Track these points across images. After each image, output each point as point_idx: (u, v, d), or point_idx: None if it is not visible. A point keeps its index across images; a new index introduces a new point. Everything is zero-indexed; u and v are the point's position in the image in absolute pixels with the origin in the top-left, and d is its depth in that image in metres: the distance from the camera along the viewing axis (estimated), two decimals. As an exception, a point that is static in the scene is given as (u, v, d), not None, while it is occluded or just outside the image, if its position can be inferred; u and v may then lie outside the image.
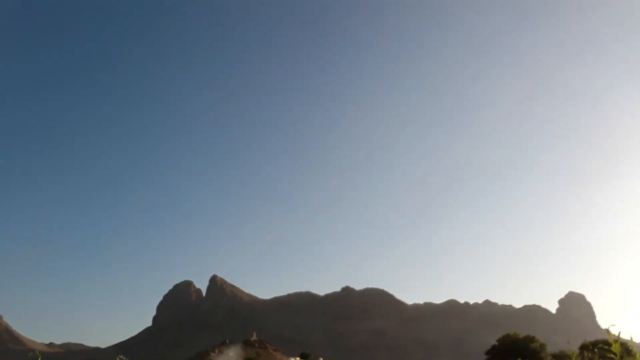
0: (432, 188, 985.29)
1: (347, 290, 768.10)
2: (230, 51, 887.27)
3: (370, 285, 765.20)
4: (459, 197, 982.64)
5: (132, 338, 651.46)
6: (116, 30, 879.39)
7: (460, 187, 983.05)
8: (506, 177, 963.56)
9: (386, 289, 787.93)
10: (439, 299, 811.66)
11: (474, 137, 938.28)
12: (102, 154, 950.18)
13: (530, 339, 70.16)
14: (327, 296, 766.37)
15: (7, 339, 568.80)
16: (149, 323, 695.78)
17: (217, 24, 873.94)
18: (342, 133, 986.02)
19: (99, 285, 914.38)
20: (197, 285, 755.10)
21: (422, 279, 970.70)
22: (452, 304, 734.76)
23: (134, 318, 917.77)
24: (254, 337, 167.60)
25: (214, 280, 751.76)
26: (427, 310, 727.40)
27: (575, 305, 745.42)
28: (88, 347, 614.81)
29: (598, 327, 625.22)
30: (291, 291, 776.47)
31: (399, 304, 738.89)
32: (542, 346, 70.22)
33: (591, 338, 50.23)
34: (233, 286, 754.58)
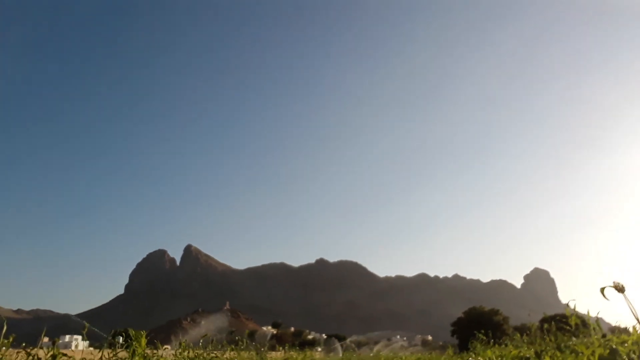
0: (406, 165, 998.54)
1: (321, 262, 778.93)
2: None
3: (344, 258, 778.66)
4: (432, 175, 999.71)
5: (103, 305, 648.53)
6: (115, 29, 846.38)
7: (434, 165, 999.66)
8: (476, 157, 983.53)
9: (359, 261, 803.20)
10: (410, 272, 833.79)
11: (445, 116, 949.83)
12: (78, 123, 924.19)
13: (495, 312, 72.81)
14: (301, 267, 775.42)
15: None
16: (122, 291, 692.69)
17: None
18: (318, 110, 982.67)
19: (70, 252, 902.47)
20: (172, 255, 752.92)
21: (394, 253, 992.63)
22: (422, 277, 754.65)
23: (106, 286, 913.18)
24: (227, 307, 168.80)
25: (188, 249, 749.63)
26: (398, 283, 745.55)
27: (539, 281, 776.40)
28: (57, 313, 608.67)
29: (559, 301, 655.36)
30: (266, 262, 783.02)
31: (372, 276, 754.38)
32: (505, 319, 73.16)
33: (552, 312, 52.25)
34: (208, 256, 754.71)
